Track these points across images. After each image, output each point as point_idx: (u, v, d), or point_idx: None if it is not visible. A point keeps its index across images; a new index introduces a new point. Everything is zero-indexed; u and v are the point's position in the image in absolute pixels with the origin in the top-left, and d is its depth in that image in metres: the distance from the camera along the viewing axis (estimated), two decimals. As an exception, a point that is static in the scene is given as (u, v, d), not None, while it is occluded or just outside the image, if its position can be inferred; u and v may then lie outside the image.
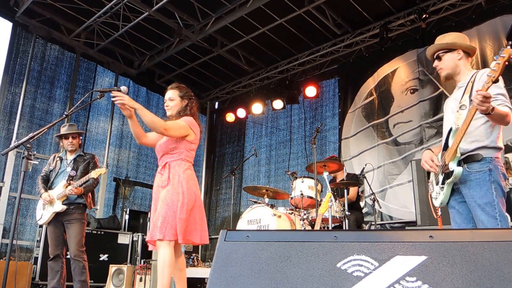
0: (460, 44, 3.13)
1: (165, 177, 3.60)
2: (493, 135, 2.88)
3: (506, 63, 2.40)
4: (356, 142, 8.71)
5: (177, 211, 3.44)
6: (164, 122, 3.56)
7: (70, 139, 5.08)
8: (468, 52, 3.16)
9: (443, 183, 2.95)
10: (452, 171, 2.84)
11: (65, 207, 4.78)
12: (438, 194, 3.02)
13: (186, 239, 3.50)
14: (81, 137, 5.31)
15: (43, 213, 4.89)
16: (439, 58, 3.17)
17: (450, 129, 2.93)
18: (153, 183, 3.75)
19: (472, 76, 3.00)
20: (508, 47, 2.39)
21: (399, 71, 8.38)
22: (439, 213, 3.28)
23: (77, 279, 4.72)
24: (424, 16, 7.44)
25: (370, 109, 8.62)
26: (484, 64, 7.05)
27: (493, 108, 2.55)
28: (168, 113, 3.84)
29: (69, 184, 4.84)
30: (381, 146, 8.25)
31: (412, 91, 8.07)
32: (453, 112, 3.02)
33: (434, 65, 3.22)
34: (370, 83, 8.75)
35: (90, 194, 5.06)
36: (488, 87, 2.45)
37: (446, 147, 2.95)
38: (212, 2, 8.03)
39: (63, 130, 5.12)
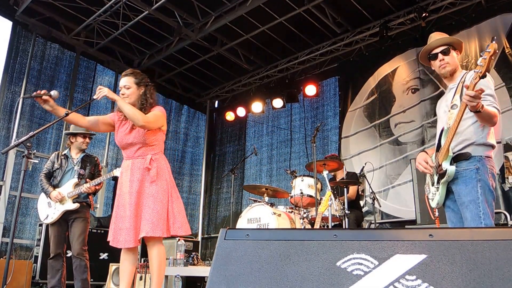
0: (461, 47, 3.18)
1: (153, 172, 3.53)
2: (484, 132, 2.89)
3: (492, 58, 2.40)
4: (356, 141, 8.71)
5: (168, 206, 3.50)
6: (145, 115, 3.50)
7: (87, 139, 5.16)
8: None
9: (438, 183, 2.97)
10: (446, 171, 2.85)
11: (78, 205, 4.85)
12: (434, 195, 3.03)
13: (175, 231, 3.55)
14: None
15: (49, 212, 4.88)
16: (445, 53, 3.13)
17: (442, 129, 2.95)
18: (128, 175, 3.59)
19: (463, 77, 3.01)
20: (494, 42, 2.40)
21: (400, 70, 8.37)
22: (436, 213, 3.29)
23: (78, 277, 4.72)
24: (424, 14, 7.44)
25: (372, 109, 8.61)
26: (484, 63, 7.03)
27: (483, 106, 2.58)
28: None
29: (79, 183, 4.90)
30: (383, 146, 8.24)
31: (413, 90, 8.06)
32: (445, 113, 3.03)
33: (439, 59, 3.14)
34: (371, 82, 8.74)
35: (93, 194, 5.13)
36: (476, 83, 2.46)
37: (439, 147, 2.98)
38: (212, 0, 8.02)
39: (80, 128, 5.12)
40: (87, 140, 5.14)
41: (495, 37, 2.47)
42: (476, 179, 2.79)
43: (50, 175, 5.06)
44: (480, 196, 2.76)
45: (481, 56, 2.41)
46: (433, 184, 3.04)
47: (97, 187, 5.02)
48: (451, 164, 2.88)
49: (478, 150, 2.86)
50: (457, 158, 2.89)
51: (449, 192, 3.00)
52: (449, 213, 3.06)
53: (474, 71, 2.47)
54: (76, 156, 5.10)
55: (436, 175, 2.97)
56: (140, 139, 3.59)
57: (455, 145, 2.91)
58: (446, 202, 3.05)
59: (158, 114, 3.60)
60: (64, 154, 5.14)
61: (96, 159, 5.28)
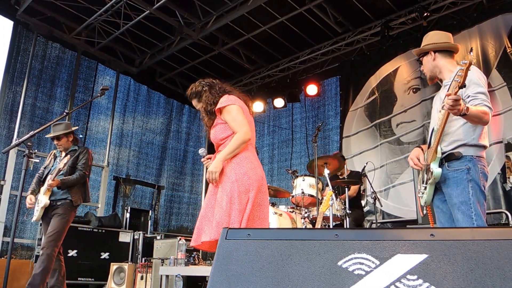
0: (428, 47, 3.18)
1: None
2: (475, 133, 2.86)
3: (469, 69, 2.43)
4: (357, 141, 8.71)
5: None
6: (237, 135, 3.14)
7: (55, 141, 4.96)
8: (448, 50, 3.16)
9: (426, 182, 2.96)
10: (433, 172, 2.85)
11: (48, 202, 4.66)
12: (423, 193, 3.02)
13: None
14: (74, 134, 5.12)
15: (36, 209, 4.84)
16: (420, 63, 3.27)
17: (433, 129, 2.95)
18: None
19: (456, 73, 3.01)
20: (470, 53, 2.44)
21: (401, 69, 8.37)
22: (424, 211, 3.31)
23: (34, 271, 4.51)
24: (425, 14, 7.43)
25: (373, 108, 8.61)
26: (486, 62, 7.04)
27: (468, 108, 2.55)
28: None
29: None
30: (384, 145, 8.25)
31: (414, 90, 8.06)
32: (437, 111, 3.03)
33: (420, 69, 3.35)
34: (372, 82, 8.74)
35: (78, 190, 4.87)
36: (456, 92, 2.47)
37: (430, 146, 2.98)
38: (213, 0, 8.02)
39: (55, 130, 4.97)
40: (56, 142, 4.95)
41: (472, 48, 2.52)
42: (467, 179, 2.77)
43: (43, 175, 5.01)
44: (471, 197, 2.73)
45: (460, 66, 2.43)
46: (422, 182, 3.04)
47: (64, 181, 4.73)
48: (441, 164, 2.88)
49: (470, 151, 2.84)
50: (448, 158, 2.87)
51: (437, 191, 2.99)
52: (438, 213, 3.04)
53: (454, 80, 2.49)
54: (63, 154, 5.00)
55: (426, 173, 2.97)
56: (214, 138, 3.35)
57: (445, 145, 2.90)
58: (435, 202, 3.03)
59: (233, 116, 3.22)
60: (55, 153, 5.11)
61: (81, 150, 5.00)
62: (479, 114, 2.65)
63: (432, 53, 3.14)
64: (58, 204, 4.74)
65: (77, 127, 5.45)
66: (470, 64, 2.42)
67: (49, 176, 4.72)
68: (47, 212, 4.76)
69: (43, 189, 4.76)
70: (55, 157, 5.05)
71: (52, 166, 4.95)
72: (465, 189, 2.76)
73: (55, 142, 4.97)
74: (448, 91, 2.62)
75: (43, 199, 4.70)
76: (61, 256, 4.80)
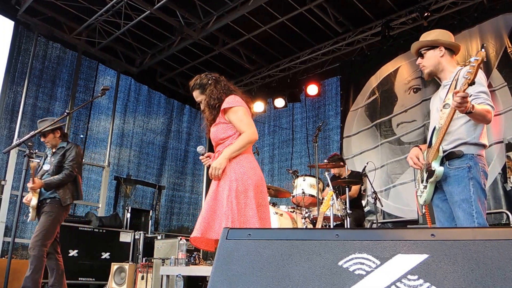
0: (443, 41, 3.13)
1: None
2: (476, 132, 2.87)
3: (480, 66, 2.43)
4: (358, 141, 8.70)
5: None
6: (244, 134, 3.17)
7: (42, 138, 4.87)
8: (452, 50, 3.15)
9: (426, 181, 2.97)
10: (434, 170, 2.85)
11: (35, 203, 4.64)
12: (422, 193, 3.03)
13: None
14: (60, 130, 4.96)
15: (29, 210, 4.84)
16: (421, 55, 3.17)
17: (434, 128, 2.95)
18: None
19: (456, 74, 3.00)
20: (482, 50, 2.43)
21: (402, 69, 8.36)
22: (423, 210, 3.32)
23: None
24: (425, 14, 7.43)
25: (373, 108, 8.61)
26: (486, 62, 7.02)
27: (473, 106, 2.56)
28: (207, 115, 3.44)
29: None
30: (384, 145, 8.24)
31: (415, 90, 8.05)
32: (438, 111, 3.03)
33: (417, 62, 3.24)
34: (373, 82, 8.74)
35: (68, 188, 4.77)
36: (465, 89, 2.47)
37: (430, 144, 2.98)
38: (214, 0, 8.03)
39: (38, 127, 4.84)
40: (42, 139, 4.87)
41: (484, 45, 2.52)
42: (468, 177, 2.78)
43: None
44: (472, 195, 2.74)
45: (470, 63, 2.42)
46: (422, 181, 3.04)
47: (48, 182, 4.65)
48: (442, 163, 2.88)
49: (470, 149, 2.85)
50: (449, 156, 2.88)
51: (437, 190, 2.99)
52: (438, 212, 3.05)
53: (464, 77, 2.49)
54: (51, 153, 4.94)
55: (426, 173, 2.97)
56: (214, 137, 3.34)
57: (446, 143, 2.90)
58: (435, 201, 3.04)
59: (239, 116, 3.22)
60: (46, 152, 5.08)
61: (68, 148, 4.85)
62: (483, 112, 2.67)
63: (443, 48, 3.12)
64: (47, 202, 4.70)
65: (64, 123, 5.36)
66: (483, 60, 2.41)
67: (30, 180, 4.66)
68: (39, 211, 4.75)
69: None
70: (45, 156, 5.02)
71: (43, 165, 4.93)
72: (466, 187, 2.77)
73: (42, 139, 4.89)
74: (448, 91, 2.61)
75: (33, 200, 4.70)
76: (58, 256, 4.74)
